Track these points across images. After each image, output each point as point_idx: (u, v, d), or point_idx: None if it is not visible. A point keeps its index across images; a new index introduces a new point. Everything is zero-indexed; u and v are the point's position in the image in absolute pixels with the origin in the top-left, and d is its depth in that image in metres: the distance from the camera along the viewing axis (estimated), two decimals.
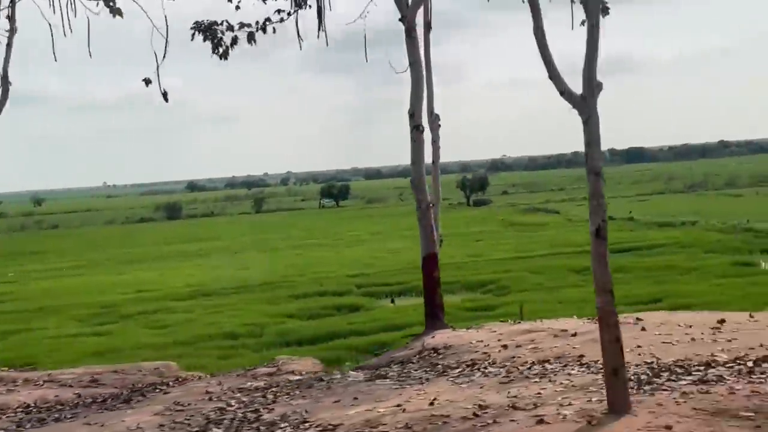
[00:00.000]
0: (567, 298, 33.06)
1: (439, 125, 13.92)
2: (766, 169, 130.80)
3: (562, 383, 8.60)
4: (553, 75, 7.21)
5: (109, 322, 34.74)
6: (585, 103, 7.02)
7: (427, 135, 13.93)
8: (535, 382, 8.85)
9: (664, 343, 9.80)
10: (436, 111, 14.22)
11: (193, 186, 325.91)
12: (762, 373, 8.00)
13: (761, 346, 9.03)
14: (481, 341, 11.51)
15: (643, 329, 10.72)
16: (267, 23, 9.04)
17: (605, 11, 11.02)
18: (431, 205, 13.27)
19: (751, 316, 11.12)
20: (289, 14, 9.05)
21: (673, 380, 8.07)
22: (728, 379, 7.91)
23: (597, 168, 7.10)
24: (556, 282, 37.57)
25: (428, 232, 13.14)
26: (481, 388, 8.94)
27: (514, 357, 10.35)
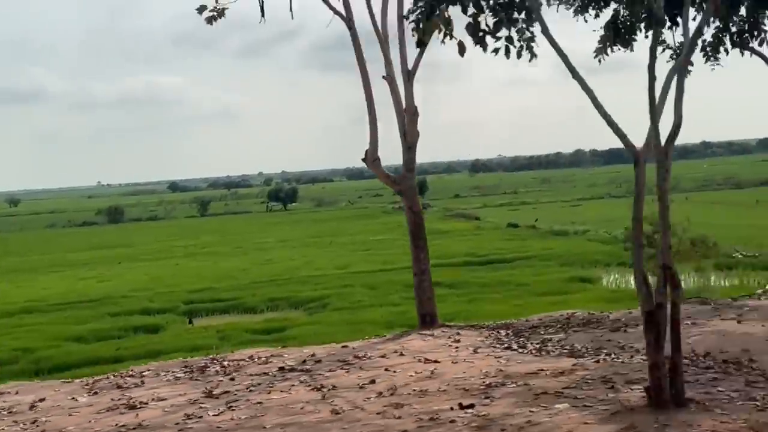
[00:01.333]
0: (364, 319, 31.51)
1: None
2: (723, 173, 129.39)
3: None
4: None
5: None
6: None
7: None
8: None
9: None
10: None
11: (175, 186, 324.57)
12: None
13: None
14: None
15: None
16: None
17: None
18: None
19: None
20: None
21: None
22: None
23: None
24: (378, 299, 36.01)
25: None
26: None
27: None
